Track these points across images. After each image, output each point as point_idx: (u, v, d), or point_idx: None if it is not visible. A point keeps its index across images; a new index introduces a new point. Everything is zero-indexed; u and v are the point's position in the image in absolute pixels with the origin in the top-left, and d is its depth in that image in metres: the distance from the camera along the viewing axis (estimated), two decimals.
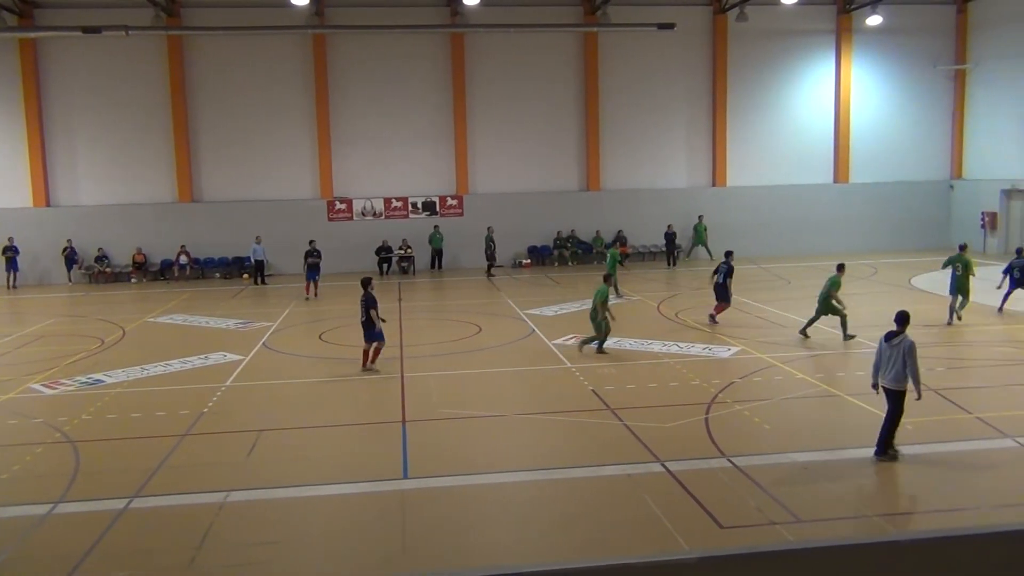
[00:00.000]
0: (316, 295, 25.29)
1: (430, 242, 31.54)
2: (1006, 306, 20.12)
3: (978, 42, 33.90)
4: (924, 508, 9.18)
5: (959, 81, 34.70)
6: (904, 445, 10.98)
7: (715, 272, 19.86)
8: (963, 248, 19.85)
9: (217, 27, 30.13)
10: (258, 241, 29.00)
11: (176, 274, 30.56)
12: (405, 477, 10.34)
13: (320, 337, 19.48)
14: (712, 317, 19.61)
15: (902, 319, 10.52)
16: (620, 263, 25.63)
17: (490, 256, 30.04)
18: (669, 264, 31.46)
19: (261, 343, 18.86)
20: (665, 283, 26.81)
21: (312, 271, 25.62)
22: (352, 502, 9.72)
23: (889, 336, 10.44)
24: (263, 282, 29.11)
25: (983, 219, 33.14)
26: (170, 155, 31.05)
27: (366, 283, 15.92)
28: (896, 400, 10.38)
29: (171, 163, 31.09)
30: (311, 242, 26.79)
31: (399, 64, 31.88)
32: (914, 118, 34.81)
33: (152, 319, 22.52)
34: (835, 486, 9.84)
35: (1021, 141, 31.76)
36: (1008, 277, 19.93)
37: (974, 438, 11.24)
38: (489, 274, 29.90)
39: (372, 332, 15.55)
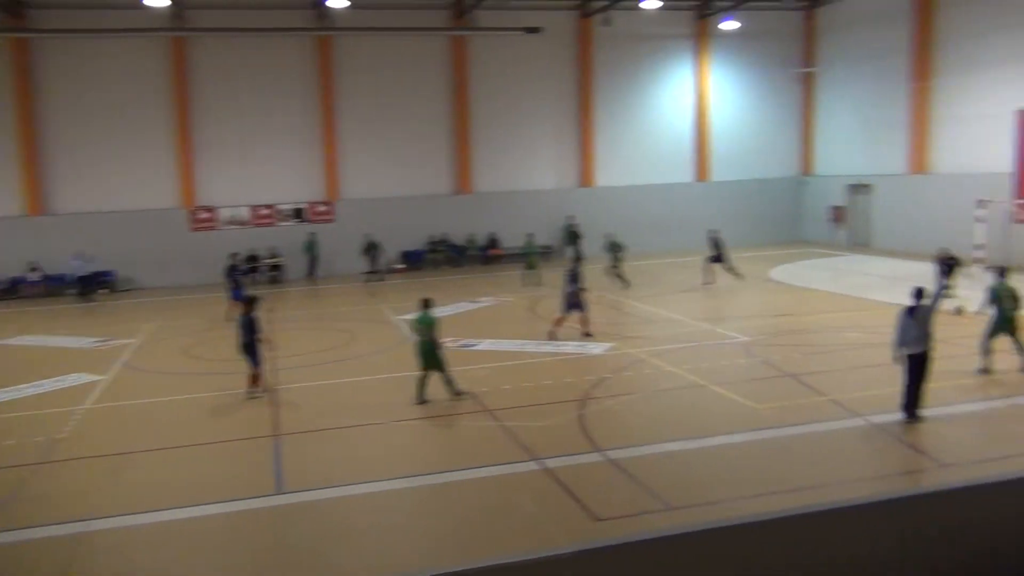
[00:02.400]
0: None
1: (307, 250, 30.89)
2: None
3: (825, 46, 35.97)
4: (785, 487, 9.66)
5: (808, 83, 36.72)
6: (764, 429, 11.56)
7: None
8: (1004, 274, 14.90)
9: (67, 30, 28.50)
10: (81, 256, 27.64)
11: (26, 292, 28.70)
12: (279, 492, 10.09)
13: (187, 352, 18.74)
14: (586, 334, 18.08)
15: (921, 292, 11.74)
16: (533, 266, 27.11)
17: (373, 261, 29.64)
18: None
19: (122, 362, 17.97)
20: (540, 283, 27.13)
21: (237, 289, 22.45)
22: (224, 521, 9.41)
23: (912, 311, 11.52)
24: (89, 298, 27.60)
25: (832, 213, 35.19)
26: (16, 166, 29.13)
27: (249, 301, 14.82)
28: (924, 362, 11.45)
29: (19, 174, 29.18)
30: (233, 255, 24.54)
31: (264, 68, 31.02)
32: (768, 118, 36.61)
33: (0, 341, 21.10)
34: (703, 472, 10.23)
35: (864, 140, 33.92)
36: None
37: (829, 419, 11.91)
38: (378, 279, 29.35)
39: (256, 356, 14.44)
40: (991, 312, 14.15)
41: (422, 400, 13.54)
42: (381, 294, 26.30)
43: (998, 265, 14.62)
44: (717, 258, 24.73)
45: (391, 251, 32.32)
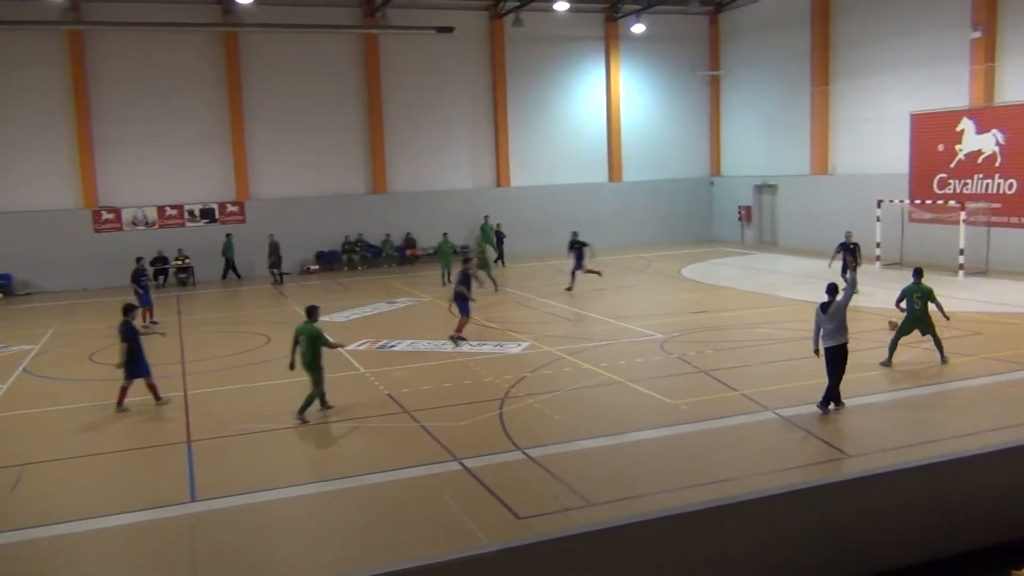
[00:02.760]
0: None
1: (223, 252, 30.18)
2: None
3: (729, 50, 37.00)
4: (703, 480, 9.89)
5: (714, 86, 37.70)
6: (680, 424, 11.81)
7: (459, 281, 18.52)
8: (919, 275, 15.07)
9: None
10: None
11: None
12: (192, 500, 9.80)
13: (90, 358, 18.02)
14: (454, 338, 17.69)
15: (834, 289, 12.13)
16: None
17: (274, 264, 29.05)
18: (496, 262, 31.70)
19: (21, 368, 17.17)
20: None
21: (145, 294, 21.32)
22: (135, 531, 9.09)
23: (825, 306, 11.95)
24: None
25: (740, 212, 36.22)
26: None
27: (127, 310, 13.93)
28: (840, 356, 11.93)
29: None
30: (139, 259, 22.98)
31: (169, 65, 30.08)
32: (677, 120, 37.43)
33: None
34: (622, 468, 10.39)
35: (768, 141, 35.02)
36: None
37: (741, 413, 12.25)
38: (278, 282, 28.90)
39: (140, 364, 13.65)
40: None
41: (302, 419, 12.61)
42: (294, 296, 25.81)
43: (916, 266, 15.30)
44: (578, 260, 24.22)
45: (306, 252, 31.86)
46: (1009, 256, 24.63)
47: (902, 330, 14.82)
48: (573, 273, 24.46)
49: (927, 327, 14.69)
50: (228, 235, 30.39)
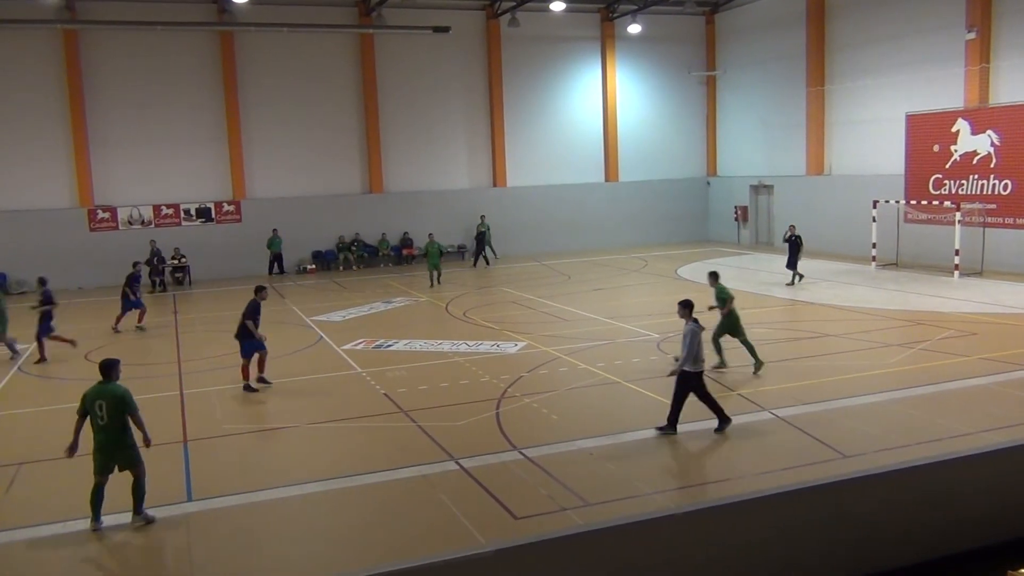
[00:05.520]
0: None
1: (268, 246, 30.72)
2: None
3: (725, 51, 37.04)
4: (696, 481, 9.91)
5: (710, 86, 37.74)
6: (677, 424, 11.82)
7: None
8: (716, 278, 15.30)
9: None
10: None
11: None
12: (189, 500, 9.79)
13: (85, 357, 17.97)
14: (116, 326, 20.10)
15: (691, 305, 11.60)
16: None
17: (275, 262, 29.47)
18: (476, 263, 31.81)
19: (16, 367, 17.14)
20: (454, 283, 27.13)
21: (129, 301, 20.97)
22: (131, 532, 9.06)
23: (698, 323, 11.45)
24: None
25: (736, 213, 36.26)
26: None
27: (258, 290, 14.85)
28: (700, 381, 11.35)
29: None
30: (135, 263, 22.51)
31: (164, 64, 30.03)
32: (673, 120, 37.46)
33: None
34: (619, 468, 10.40)
35: (764, 142, 35.07)
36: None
37: (737, 413, 12.24)
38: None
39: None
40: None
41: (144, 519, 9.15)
42: (291, 296, 25.79)
43: (712, 271, 15.37)
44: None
45: (303, 252, 31.89)
46: (1004, 257, 24.70)
47: (718, 332, 14.71)
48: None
49: (736, 330, 14.59)
50: (275, 230, 30.74)
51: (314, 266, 31.94)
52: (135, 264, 22.75)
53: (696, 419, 12.01)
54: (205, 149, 30.88)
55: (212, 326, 21.56)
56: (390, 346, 17.74)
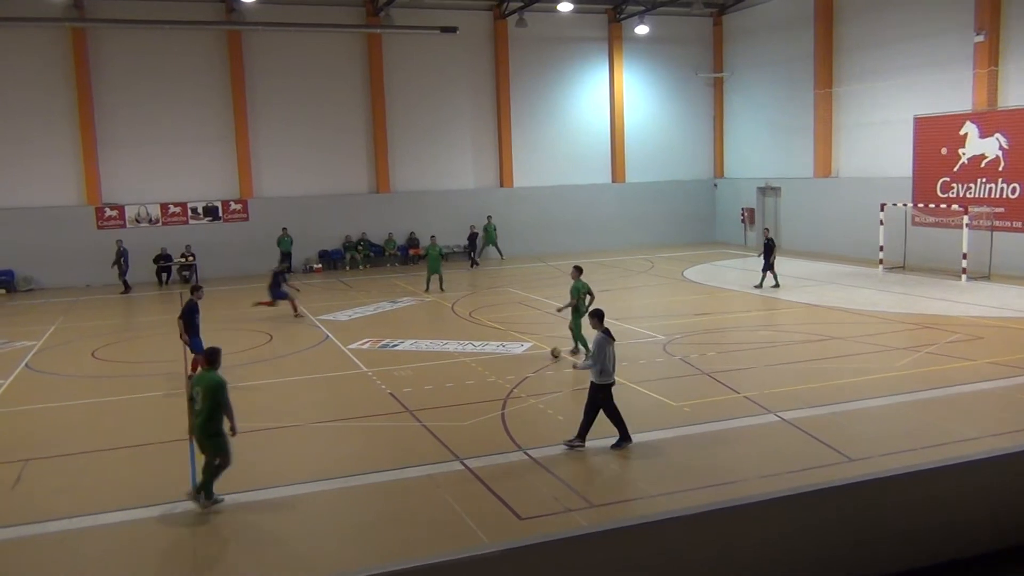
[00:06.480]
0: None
1: (278, 244, 30.80)
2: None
3: (732, 52, 36.99)
4: (703, 483, 9.89)
5: (717, 88, 37.70)
6: (682, 426, 11.81)
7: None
8: (580, 272, 16.37)
9: None
10: None
11: None
12: None
13: (93, 355, 18.05)
14: None
15: (601, 314, 11.41)
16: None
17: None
18: (472, 265, 31.79)
19: (23, 364, 17.20)
20: (458, 283, 27.14)
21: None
22: (138, 528, 9.09)
23: (609, 334, 11.01)
24: None
25: (743, 214, 36.20)
26: None
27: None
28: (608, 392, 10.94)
29: None
30: (119, 249, 22.85)
31: (172, 62, 30.13)
32: (681, 121, 37.41)
33: None
34: (623, 470, 10.39)
35: (772, 143, 35.00)
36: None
37: (744, 415, 12.24)
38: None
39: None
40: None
41: (206, 500, 9.47)
42: (297, 295, 25.80)
43: (576, 265, 16.59)
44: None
45: (309, 251, 31.95)
46: (1012, 260, 24.60)
47: (576, 324, 15.86)
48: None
49: (575, 322, 15.81)
50: (284, 229, 30.85)
51: (320, 265, 31.99)
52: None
53: (700, 422, 12.00)
54: (213, 148, 30.96)
55: (220, 324, 21.58)
56: (396, 346, 17.75)
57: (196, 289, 15.48)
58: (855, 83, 30.60)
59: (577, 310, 15.76)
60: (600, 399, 10.93)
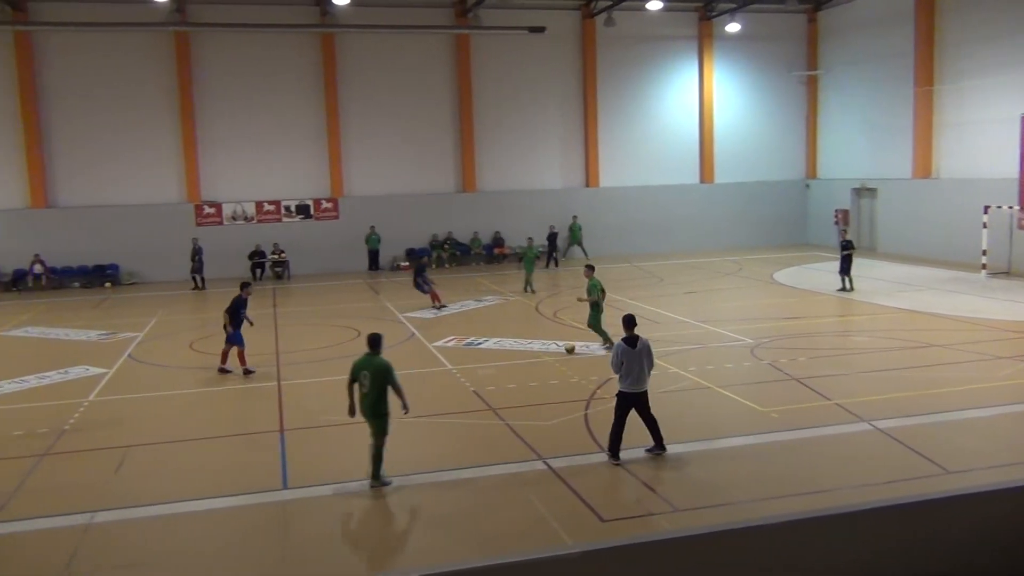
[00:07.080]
0: None
1: (366, 242, 31.66)
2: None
3: (827, 50, 35.95)
4: (791, 491, 9.66)
5: (811, 86, 36.70)
6: (770, 432, 11.55)
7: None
8: (593, 270, 17.52)
9: (69, 23, 28.48)
10: None
11: (31, 284, 28.74)
12: (285, 487, 10.09)
13: (191, 347, 18.75)
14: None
15: (633, 321, 10.93)
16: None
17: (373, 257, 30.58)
18: (548, 265, 31.74)
19: (126, 354, 17.99)
20: (543, 283, 27.16)
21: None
22: (229, 516, 9.42)
23: (633, 342, 10.59)
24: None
25: (836, 216, 35.16)
26: (20, 158, 29.18)
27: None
28: (645, 400, 10.56)
29: (22, 167, 29.22)
30: (194, 248, 23.66)
31: (269, 64, 31.06)
32: (772, 121, 36.57)
33: (4, 332, 21.12)
34: (708, 475, 10.22)
35: (868, 143, 33.89)
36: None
37: (835, 423, 11.90)
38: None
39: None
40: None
41: (380, 483, 9.96)
42: (384, 292, 26.29)
43: (588, 263, 17.09)
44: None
45: (396, 249, 32.48)
46: None
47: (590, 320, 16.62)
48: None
49: (596, 319, 16.53)
50: (372, 227, 31.62)
51: (407, 263, 32.47)
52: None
53: (788, 428, 11.72)
54: (306, 147, 31.79)
55: (309, 320, 22.16)
56: (480, 344, 17.88)
57: (245, 285, 16.25)
58: (957, 80, 29.36)
59: (596, 306, 16.57)
60: (620, 404, 10.52)
